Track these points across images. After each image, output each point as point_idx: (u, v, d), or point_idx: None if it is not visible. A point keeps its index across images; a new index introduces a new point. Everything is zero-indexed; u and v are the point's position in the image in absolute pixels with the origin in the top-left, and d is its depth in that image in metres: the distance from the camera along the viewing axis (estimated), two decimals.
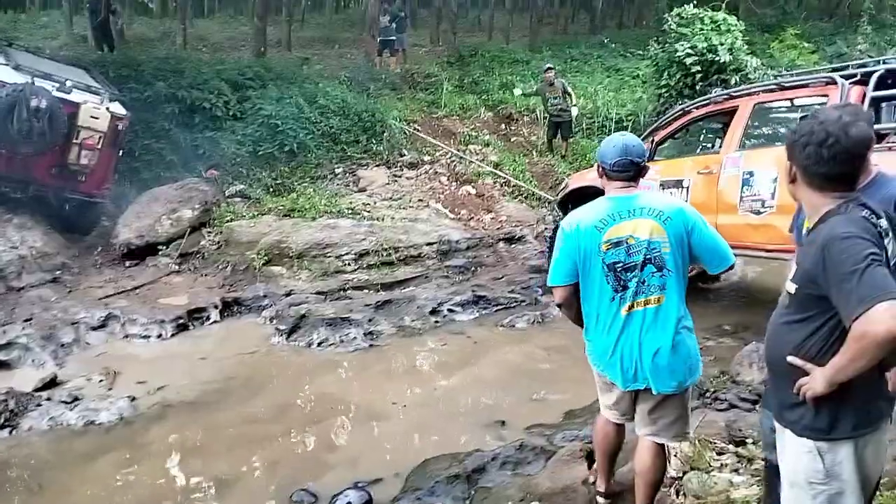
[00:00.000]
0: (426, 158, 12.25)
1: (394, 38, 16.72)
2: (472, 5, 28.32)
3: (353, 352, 6.60)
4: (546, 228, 9.99)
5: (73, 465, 4.52)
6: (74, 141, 8.47)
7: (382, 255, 8.74)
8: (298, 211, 9.53)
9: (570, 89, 12.77)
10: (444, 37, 22.12)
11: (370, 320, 7.20)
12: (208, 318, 7.40)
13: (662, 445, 3.18)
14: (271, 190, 10.75)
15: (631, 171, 3.04)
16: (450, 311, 7.62)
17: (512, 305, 7.79)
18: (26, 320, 6.77)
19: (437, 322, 7.37)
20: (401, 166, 11.91)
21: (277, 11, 20.54)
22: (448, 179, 11.58)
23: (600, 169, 3.12)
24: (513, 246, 9.78)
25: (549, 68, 12.98)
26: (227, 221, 9.25)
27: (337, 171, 11.67)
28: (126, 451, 4.65)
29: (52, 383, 5.79)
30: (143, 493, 4.21)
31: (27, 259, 7.98)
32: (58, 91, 8.33)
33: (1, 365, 6.17)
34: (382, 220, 9.58)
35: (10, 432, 5.06)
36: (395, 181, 11.42)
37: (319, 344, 6.74)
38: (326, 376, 6.03)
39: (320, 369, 6.17)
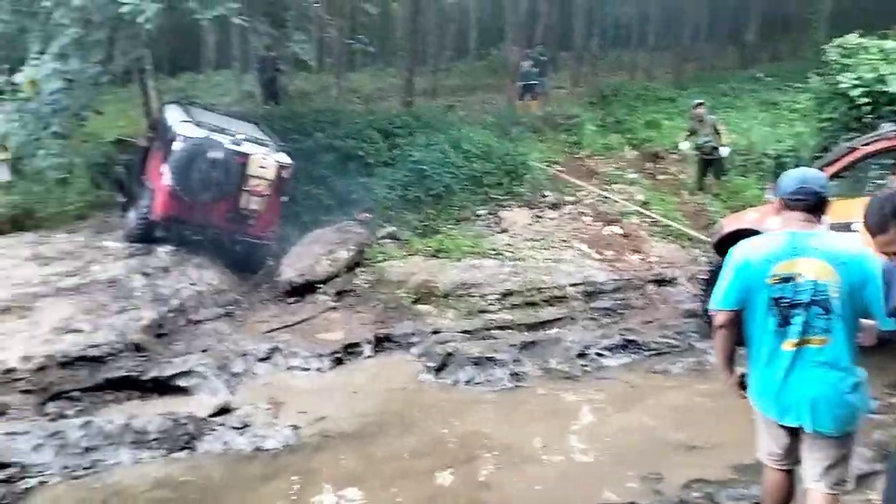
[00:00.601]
0: (569, 199, 12.19)
1: (535, 81, 16.97)
2: (613, 45, 28.12)
3: (499, 391, 6.61)
4: (700, 271, 9.53)
5: (246, 487, 4.86)
6: (245, 188, 9.27)
7: (526, 296, 8.74)
8: (444, 251, 9.80)
9: (720, 127, 12.26)
10: (585, 78, 22.13)
11: (515, 361, 7.19)
12: (362, 353, 7.72)
13: (835, 498, 2.99)
14: (419, 231, 11.12)
15: (811, 200, 2.96)
16: (598, 354, 7.43)
17: (665, 351, 7.48)
18: (203, 351, 7.39)
19: (584, 366, 7.21)
20: (543, 207, 11.92)
21: (423, 62, 21.54)
22: (592, 219, 11.43)
23: (780, 202, 3.05)
24: (663, 288, 9.42)
25: (700, 104, 12.55)
26: (379, 261, 9.68)
27: (480, 212, 11.89)
28: (292, 477, 4.94)
29: (224, 410, 6.27)
30: None
31: (204, 295, 8.76)
32: (231, 144, 9.18)
33: (181, 391, 6.79)
34: (525, 260, 9.62)
35: (189, 453, 5.54)
36: (538, 221, 11.44)
37: (466, 382, 6.82)
38: (475, 415, 6.08)
39: (468, 408, 6.23)
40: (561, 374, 7.01)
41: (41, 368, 6.35)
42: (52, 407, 6.18)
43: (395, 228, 11.11)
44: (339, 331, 8.20)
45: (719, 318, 3.10)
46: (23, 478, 5.05)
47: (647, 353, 7.45)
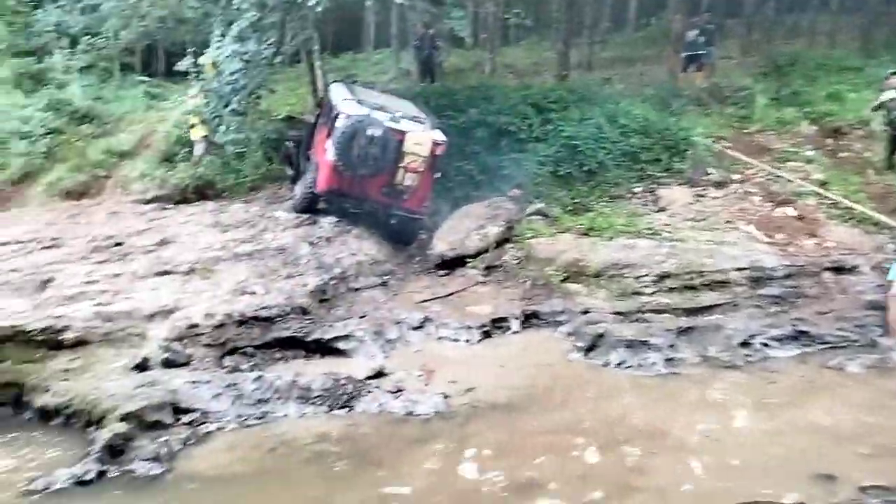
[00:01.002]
0: (735, 177, 11.38)
1: (702, 51, 15.91)
2: (789, 10, 25.68)
3: (653, 377, 6.38)
4: (887, 259, 8.56)
5: (400, 448, 5.08)
6: (401, 164, 9.55)
7: (684, 279, 8.30)
8: (596, 230, 9.53)
9: None
10: (756, 46, 20.40)
11: (671, 346, 6.90)
12: (509, 328, 7.77)
13: None
14: (569, 209, 10.90)
15: None
16: (763, 344, 6.96)
17: (842, 345, 6.83)
18: (361, 317, 7.79)
19: (748, 356, 6.78)
20: (706, 185, 11.23)
21: (579, 34, 20.93)
22: (761, 200, 10.60)
23: None
24: (842, 277, 8.54)
25: (894, 74, 11.18)
26: (528, 238, 9.62)
27: (636, 190, 11.43)
28: (444, 443, 5.09)
29: (380, 374, 6.59)
30: (461, 484, 4.55)
31: (363, 265, 9.19)
32: (390, 121, 9.47)
33: (341, 353, 7.22)
34: (685, 241, 9.12)
35: (348, 412, 5.89)
36: (700, 200, 10.79)
37: (618, 364, 6.65)
38: (627, 398, 5.93)
39: (620, 390, 6.09)
40: (721, 362, 6.64)
41: (220, 325, 7.00)
42: (228, 361, 6.82)
43: (545, 205, 10.97)
44: (488, 305, 8.28)
45: None
46: (203, 422, 5.63)
47: (821, 346, 6.85)
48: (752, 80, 15.22)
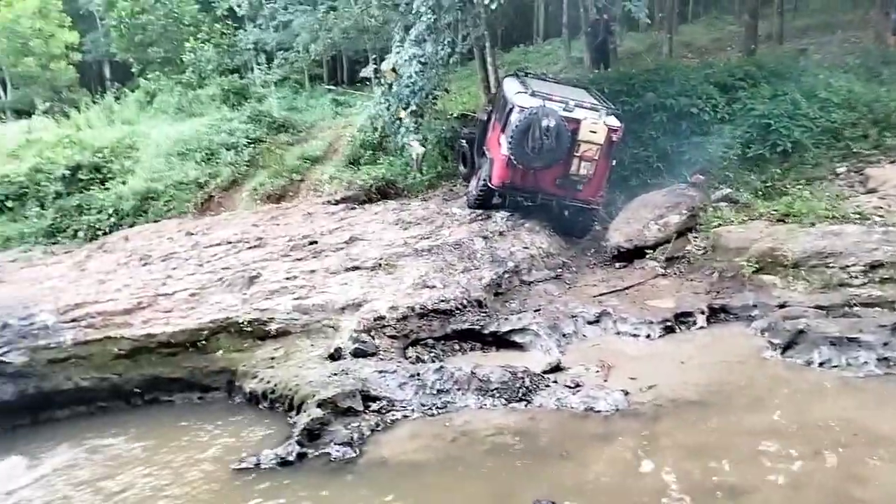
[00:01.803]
0: None
1: None
2: None
3: (864, 378, 5.71)
4: None
5: (582, 444, 5.03)
6: (576, 154, 9.38)
7: None
8: (794, 216, 8.71)
9: None
10: None
11: (885, 344, 6.14)
12: (694, 323, 7.37)
13: None
14: (761, 193, 10.08)
15: None
16: None
17: None
18: (535, 310, 7.79)
19: None
20: None
21: (767, 3, 19.23)
22: None
23: None
24: None
25: None
26: (715, 227, 9.03)
27: (839, 170, 10.29)
28: (628, 441, 4.95)
29: (556, 368, 6.56)
30: (649, 484, 4.40)
31: (535, 258, 9.19)
32: (563, 111, 9.33)
33: (516, 346, 7.27)
34: None
35: (525, 405, 5.91)
36: None
37: (820, 364, 6.05)
38: (830, 401, 5.38)
39: (822, 392, 5.54)
40: None
41: (404, 318, 7.35)
42: (411, 352, 7.15)
43: (732, 190, 10.24)
44: (669, 298, 7.91)
45: None
46: (390, 410, 5.95)
47: None
48: None
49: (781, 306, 7.18)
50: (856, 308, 7.00)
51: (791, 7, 20.82)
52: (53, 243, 11.97)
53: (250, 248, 9.35)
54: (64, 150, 13.76)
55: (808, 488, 4.15)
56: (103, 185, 13.15)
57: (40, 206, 12.84)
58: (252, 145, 13.91)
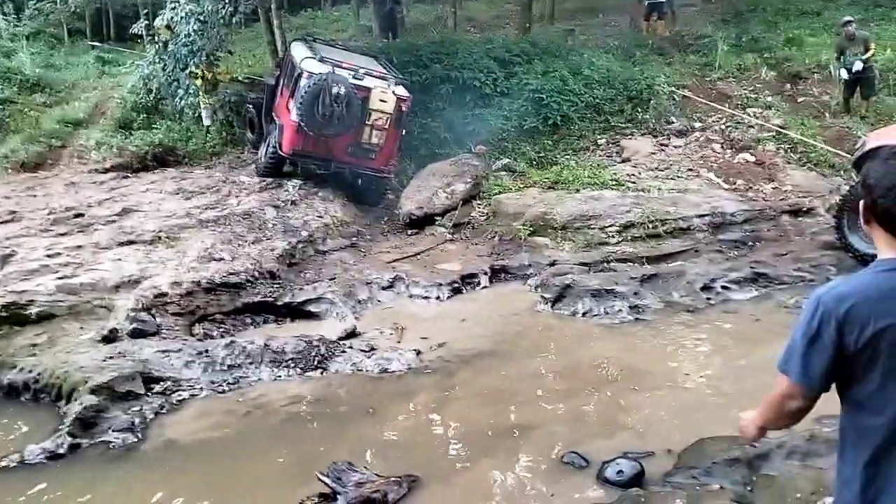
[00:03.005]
0: (697, 125, 11.51)
1: (663, 0, 15.87)
2: None
3: (619, 324, 6.55)
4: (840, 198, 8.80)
5: (377, 404, 5.19)
6: (366, 123, 9.43)
7: (648, 228, 8.47)
8: (562, 183, 9.61)
9: (871, 44, 11.02)
10: None
11: (635, 293, 7.06)
12: (479, 284, 7.87)
13: None
14: (535, 163, 10.96)
15: None
16: (724, 287, 7.14)
17: (798, 284, 7.05)
18: (331, 279, 7.81)
19: (709, 299, 6.97)
20: (668, 135, 11.35)
21: None
22: (722, 147, 10.76)
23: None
24: (799, 219, 8.80)
25: (848, 22, 11.28)
26: (495, 194, 9.68)
27: (600, 141, 11.51)
28: (422, 397, 5.22)
29: (352, 334, 6.65)
30: (445, 432, 4.69)
31: (330, 227, 9.17)
32: (353, 78, 9.31)
33: (312, 316, 7.24)
34: (649, 191, 9.26)
35: (321, 373, 5.93)
36: (662, 150, 10.92)
37: (584, 314, 6.80)
38: (595, 344, 6.09)
39: (587, 338, 6.24)
40: (683, 307, 6.82)
41: (189, 293, 6.95)
42: (199, 328, 6.81)
43: (510, 160, 11.02)
44: (457, 262, 8.36)
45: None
46: (176, 391, 5.63)
47: (778, 287, 7.06)
48: (713, 28, 15.28)
49: (552, 264, 7.94)
50: (613, 263, 7.96)
51: None
52: None
53: (2, 222, 8.21)
54: None
55: (586, 419, 4.72)
56: None
57: None
58: (1, 106, 12.11)
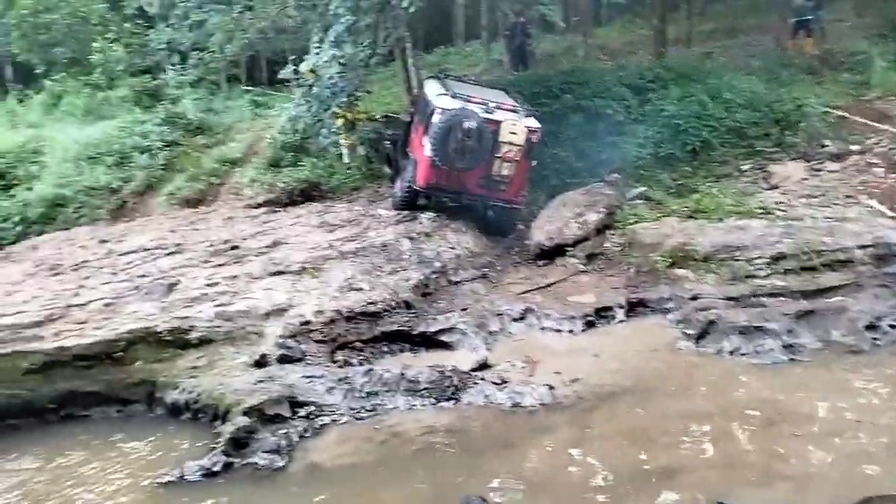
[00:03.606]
0: (854, 148, 10.61)
1: (811, 16, 14.90)
2: None
3: (772, 364, 6.10)
4: None
5: (511, 440, 5.13)
6: (497, 155, 9.54)
7: (802, 259, 7.83)
8: (703, 212, 9.16)
9: None
10: (870, 5, 18.85)
11: (789, 331, 6.58)
12: (614, 317, 7.64)
13: None
14: (672, 191, 10.55)
15: None
16: (892, 326, 6.47)
17: None
18: (463, 309, 7.88)
19: (875, 339, 6.35)
20: (822, 158, 10.54)
21: (675, 8, 20.12)
22: (885, 171, 9.83)
23: None
24: None
25: None
26: (630, 224, 9.39)
27: (744, 167, 10.91)
28: (556, 434, 5.11)
29: (484, 366, 6.66)
30: (583, 473, 4.55)
31: (461, 258, 9.29)
32: (484, 112, 9.47)
33: (445, 346, 7.33)
34: (801, 219, 8.60)
35: (454, 403, 5.99)
36: (815, 175, 10.14)
37: (731, 352, 6.41)
38: (746, 385, 5.73)
39: (736, 378, 5.88)
40: (845, 347, 6.25)
41: (331, 321, 7.27)
42: (339, 355, 7.09)
43: (645, 188, 10.68)
44: (590, 294, 8.16)
45: None
46: (319, 415, 5.89)
47: None
48: (867, 43, 14.10)
49: (694, 298, 7.54)
50: (762, 298, 7.44)
51: (699, 12, 21.83)
52: None
53: (168, 254, 9.02)
54: None
55: (739, 465, 4.39)
56: (8, 192, 12.39)
57: None
58: (167, 148, 13.41)
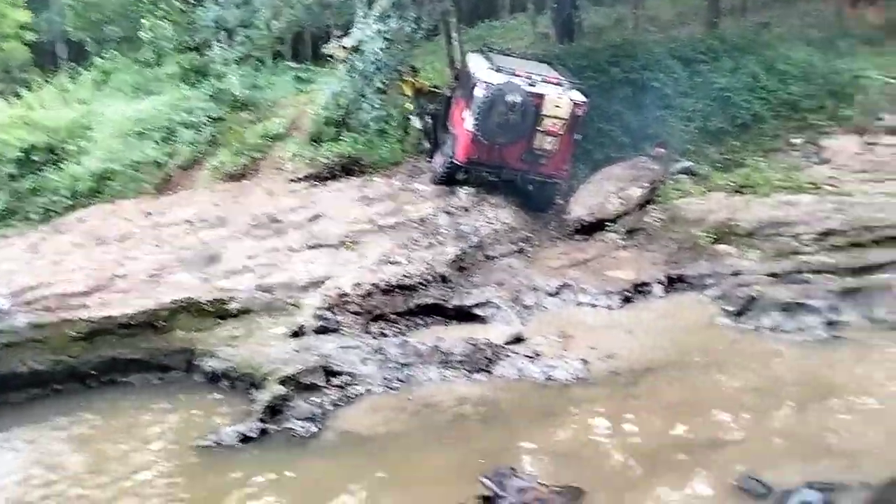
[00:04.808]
0: None
1: None
2: None
3: (813, 342, 5.91)
4: None
5: (541, 413, 5.13)
6: (539, 129, 9.39)
7: (851, 236, 7.52)
8: (750, 187, 8.87)
9: None
10: None
11: (833, 308, 6.37)
12: (652, 293, 7.50)
13: None
14: (719, 166, 10.25)
15: None
16: None
17: None
18: (498, 284, 7.87)
19: None
20: (879, 132, 10.07)
21: None
22: None
23: None
24: None
25: None
26: (674, 199, 9.16)
27: (795, 142, 10.52)
28: (588, 407, 5.08)
29: (517, 339, 6.65)
30: (611, 444, 4.56)
31: (499, 233, 9.24)
32: (527, 86, 9.32)
33: (478, 319, 7.35)
34: (853, 195, 8.26)
35: (487, 376, 6.01)
36: (871, 150, 9.71)
37: (771, 329, 6.23)
38: (788, 361, 5.57)
39: (778, 354, 5.72)
40: (890, 325, 6.01)
41: (368, 294, 7.37)
42: (375, 327, 7.18)
43: (692, 163, 10.39)
44: (629, 269, 8.03)
45: None
46: (352, 385, 5.99)
47: None
48: None
49: (735, 274, 7.34)
50: (806, 275, 7.19)
51: None
52: (6, 227, 11.68)
53: (211, 227, 9.24)
54: (17, 132, 13.34)
55: (781, 439, 4.30)
56: (58, 166, 12.84)
57: None
58: (213, 124, 13.65)
